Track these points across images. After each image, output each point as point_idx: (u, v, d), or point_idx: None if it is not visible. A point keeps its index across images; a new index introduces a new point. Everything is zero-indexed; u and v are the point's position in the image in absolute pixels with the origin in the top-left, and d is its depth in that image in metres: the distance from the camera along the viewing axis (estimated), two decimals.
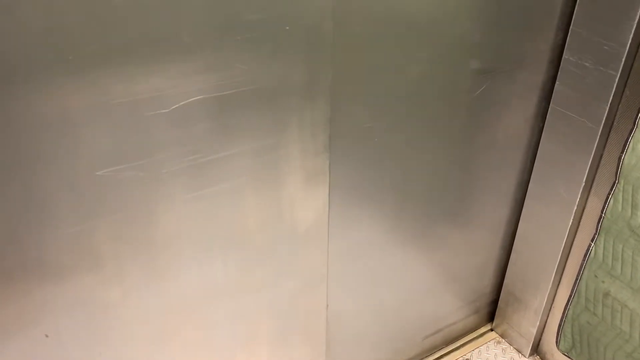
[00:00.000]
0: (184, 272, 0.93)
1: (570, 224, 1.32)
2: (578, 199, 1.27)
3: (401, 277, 1.32)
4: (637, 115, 1.12)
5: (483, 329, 1.68)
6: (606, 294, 1.30)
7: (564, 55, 1.19)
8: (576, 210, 1.29)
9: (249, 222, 0.96)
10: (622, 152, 1.17)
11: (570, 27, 1.17)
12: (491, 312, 1.69)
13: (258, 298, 1.06)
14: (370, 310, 1.31)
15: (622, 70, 1.10)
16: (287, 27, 0.81)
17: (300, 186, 0.98)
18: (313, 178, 0.99)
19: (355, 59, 0.92)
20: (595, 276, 1.32)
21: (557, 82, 1.23)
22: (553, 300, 1.46)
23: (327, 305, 1.18)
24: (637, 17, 1.05)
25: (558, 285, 1.43)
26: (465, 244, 1.40)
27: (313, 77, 0.88)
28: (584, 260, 1.33)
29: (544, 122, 1.30)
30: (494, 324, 1.67)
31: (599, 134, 1.18)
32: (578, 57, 1.17)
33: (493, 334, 1.66)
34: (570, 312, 1.41)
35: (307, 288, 1.13)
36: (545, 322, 1.51)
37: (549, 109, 1.26)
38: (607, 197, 1.23)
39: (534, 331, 1.52)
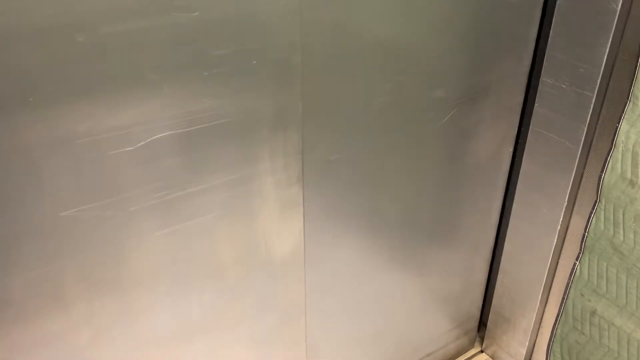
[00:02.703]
0: (157, 310, 0.92)
1: (554, 243, 1.32)
2: (561, 219, 1.29)
3: (382, 305, 1.31)
4: (615, 135, 1.13)
5: (473, 351, 1.67)
6: (593, 313, 1.31)
7: (542, 78, 1.21)
8: (560, 229, 1.30)
9: (223, 257, 0.95)
10: (602, 172, 1.18)
11: (547, 50, 1.19)
12: (481, 333, 1.69)
13: (235, 334, 1.04)
14: (351, 340, 1.30)
15: (597, 91, 1.12)
16: (254, 62, 0.81)
17: (274, 218, 0.97)
18: (287, 210, 0.98)
19: (324, 90, 0.93)
20: (582, 295, 1.32)
21: (536, 104, 1.25)
22: (541, 319, 1.46)
23: (306, 339, 1.16)
24: (610, 40, 1.07)
25: (545, 304, 1.43)
26: (445, 267, 1.39)
27: (283, 110, 0.88)
28: (569, 279, 1.34)
29: (517, 145, 1.31)
30: (484, 346, 1.66)
31: (579, 154, 1.20)
32: (555, 80, 1.19)
33: (484, 356, 1.66)
34: (559, 331, 1.42)
35: (286, 322, 1.11)
36: (535, 342, 1.51)
37: (529, 130, 1.28)
38: (590, 216, 1.24)
39: (523, 351, 1.52)
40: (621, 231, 1.19)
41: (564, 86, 1.18)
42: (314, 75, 0.89)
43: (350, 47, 0.92)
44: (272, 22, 0.80)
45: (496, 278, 1.53)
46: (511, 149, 1.29)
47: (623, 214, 1.17)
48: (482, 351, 1.67)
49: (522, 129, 1.33)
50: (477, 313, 1.55)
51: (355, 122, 1.00)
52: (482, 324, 1.67)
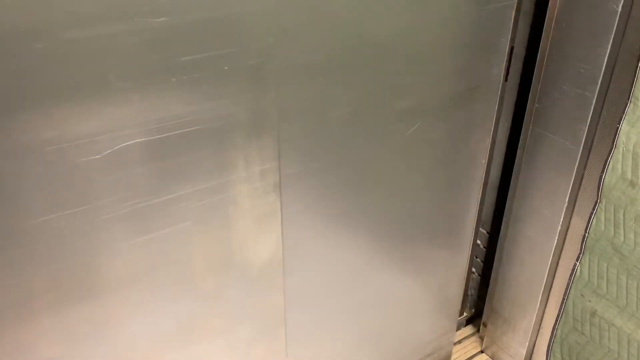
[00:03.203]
0: (130, 322, 0.89)
1: (555, 243, 1.33)
2: (562, 219, 1.29)
3: (364, 313, 1.28)
4: (615, 135, 1.14)
5: (473, 351, 1.68)
6: (593, 313, 1.31)
7: (542, 78, 1.22)
8: (560, 230, 1.30)
9: (198, 266, 0.93)
10: (603, 172, 1.18)
11: (547, 51, 1.19)
12: (481, 334, 1.69)
13: (212, 345, 1.02)
14: (332, 350, 1.26)
15: (598, 92, 1.13)
16: (226, 68, 0.79)
17: (251, 227, 0.95)
18: (264, 218, 0.96)
19: (300, 97, 0.90)
20: (582, 295, 1.32)
21: (536, 105, 1.25)
22: (541, 320, 1.46)
23: (286, 349, 1.14)
24: (611, 40, 1.08)
25: (546, 305, 1.43)
26: (423, 277, 1.36)
27: (258, 116, 0.86)
28: (569, 279, 1.34)
29: (517, 145, 1.31)
30: (484, 346, 1.66)
31: (579, 154, 1.20)
32: (555, 80, 1.19)
33: (484, 356, 1.66)
34: (559, 332, 1.42)
35: (265, 333, 1.09)
36: (535, 342, 1.51)
37: (530, 130, 1.28)
38: (590, 217, 1.24)
39: (523, 352, 1.52)
40: (621, 232, 1.19)
41: (564, 87, 1.18)
42: (290, 81, 0.87)
43: (324, 53, 0.90)
44: (244, 27, 0.78)
45: (496, 278, 1.53)
46: (484, 160, 1.26)
47: (623, 215, 1.17)
48: (482, 351, 1.67)
49: (523, 129, 1.33)
50: (454, 326, 1.52)
51: (328, 131, 0.98)
52: (482, 324, 1.67)
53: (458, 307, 1.52)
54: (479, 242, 1.65)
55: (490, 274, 1.57)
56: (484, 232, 1.63)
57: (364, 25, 0.92)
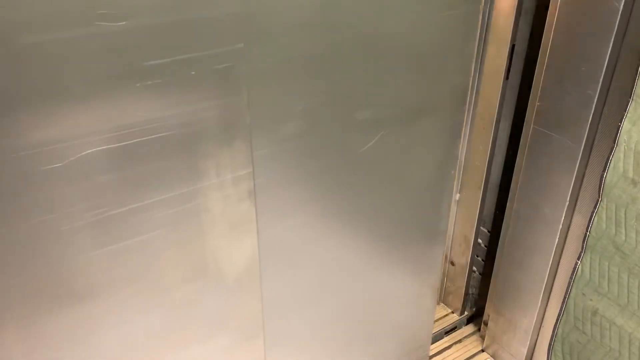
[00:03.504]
0: (100, 334, 0.87)
1: (556, 242, 1.32)
2: (563, 218, 1.28)
3: (344, 320, 1.25)
4: (617, 133, 1.13)
5: (474, 350, 1.67)
6: (594, 312, 1.31)
7: (543, 76, 1.21)
8: (561, 229, 1.30)
9: (170, 276, 0.91)
10: (604, 171, 1.18)
11: (549, 49, 1.19)
12: (482, 333, 1.69)
13: (189, 355, 1.00)
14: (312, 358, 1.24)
15: (599, 90, 1.12)
16: (193, 72, 0.77)
17: (224, 235, 0.93)
18: (239, 226, 0.94)
19: (273, 101, 0.88)
20: (583, 294, 1.32)
21: (537, 103, 1.25)
22: (542, 319, 1.46)
23: (265, 358, 1.12)
24: (612, 39, 1.07)
25: (547, 304, 1.43)
26: (395, 287, 1.32)
27: (229, 122, 0.84)
28: (571, 278, 1.33)
29: (518, 143, 1.31)
30: (484, 345, 1.66)
31: (581, 153, 1.20)
32: (557, 78, 1.19)
33: (485, 355, 1.66)
34: (560, 331, 1.42)
35: (243, 341, 1.07)
36: (536, 341, 1.51)
37: (531, 129, 1.28)
38: (592, 215, 1.24)
39: (524, 351, 1.52)
40: (623, 230, 1.19)
41: (565, 85, 1.18)
42: (262, 85, 0.85)
43: (297, 57, 0.87)
44: (211, 31, 0.76)
45: (497, 277, 1.53)
46: (453, 171, 1.21)
47: (625, 213, 1.17)
48: (482, 350, 1.67)
49: (524, 127, 1.33)
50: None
51: (303, 137, 0.96)
52: (483, 323, 1.67)
53: (432, 319, 1.47)
54: (480, 240, 1.65)
55: (492, 273, 1.57)
56: (485, 230, 1.63)
57: (330, 32, 0.90)
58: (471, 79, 1.43)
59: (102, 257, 0.82)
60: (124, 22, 0.69)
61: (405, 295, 1.34)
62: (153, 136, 0.78)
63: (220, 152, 0.85)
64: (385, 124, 1.04)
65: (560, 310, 1.39)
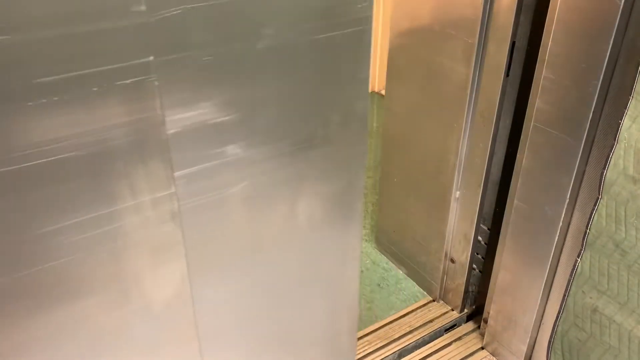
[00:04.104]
0: None
1: (556, 240, 1.32)
2: (563, 215, 1.28)
3: (283, 340, 1.19)
4: (617, 131, 1.13)
5: (474, 348, 1.67)
6: (594, 310, 1.31)
7: (544, 73, 1.21)
8: (561, 226, 1.30)
9: (87, 307, 0.85)
10: (604, 168, 1.18)
11: (549, 46, 1.19)
12: (482, 330, 1.69)
13: None
14: None
15: (600, 87, 1.12)
16: (95, 89, 0.71)
17: (147, 261, 0.88)
18: (163, 249, 0.88)
19: (191, 118, 0.83)
20: (583, 292, 1.32)
21: (537, 100, 1.24)
22: (542, 317, 1.46)
23: None
24: (613, 35, 1.07)
25: (546, 301, 1.43)
26: (314, 310, 1.22)
27: (142, 139, 0.78)
28: (570, 276, 1.33)
29: (518, 141, 1.31)
30: (484, 343, 1.66)
31: (581, 150, 1.20)
32: (557, 75, 1.19)
33: (484, 353, 1.66)
34: (560, 328, 1.41)
35: None
36: (535, 339, 1.51)
37: (531, 126, 1.28)
38: (591, 213, 1.24)
39: (524, 348, 1.52)
40: (623, 228, 1.18)
41: (566, 82, 1.18)
42: (178, 99, 0.79)
43: (207, 69, 0.81)
44: (114, 43, 0.70)
45: (497, 275, 1.53)
46: (360, 204, 1.12)
47: (625, 211, 1.17)
48: (482, 348, 1.67)
49: (524, 125, 1.32)
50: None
51: (224, 155, 0.90)
52: (483, 320, 1.67)
53: (354, 343, 1.37)
54: (479, 238, 1.65)
55: (491, 270, 1.57)
56: (485, 228, 1.63)
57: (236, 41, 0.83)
58: (471, 76, 1.43)
59: (13, 285, 0.77)
60: (7, 36, 0.64)
61: (325, 318, 1.26)
62: (55, 157, 0.73)
63: (134, 173, 0.80)
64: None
65: (560, 307, 1.39)
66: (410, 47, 1.59)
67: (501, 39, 1.35)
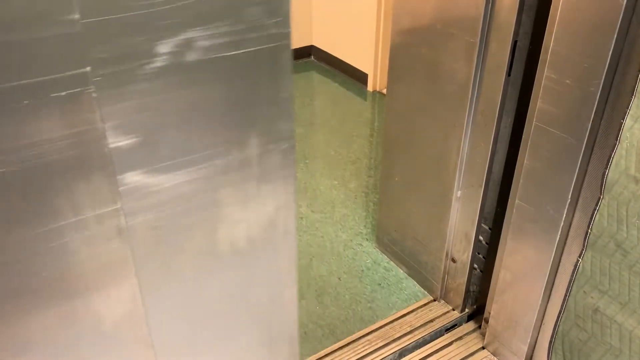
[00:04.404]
0: None
1: (557, 240, 1.32)
2: (564, 215, 1.28)
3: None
4: (619, 131, 1.13)
5: (474, 348, 1.67)
6: (595, 310, 1.31)
7: (546, 73, 1.21)
8: (562, 226, 1.30)
9: (32, 332, 0.83)
10: (606, 168, 1.17)
11: (551, 45, 1.18)
12: (482, 330, 1.69)
13: None
14: None
15: (602, 87, 1.12)
16: (27, 102, 0.68)
17: (94, 279, 0.85)
18: (111, 266, 0.85)
19: (138, 124, 0.80)
20: (584, 292, 1.32)
21: (539, 100, 1.24)
22: (543, 317, 1.46)
23: None
24: (615, 35, 1.07)
25: (548, 301, 1.43)
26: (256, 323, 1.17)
27: (81, 153, 0.75)
28: (572, 276, 1.33)
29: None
30: (485, 342, 1.66)
31: (583, 150, 1.19)
32: (559, 75, 1.18)
33: (485, 352, 1.65)
34: (560, 328, 1.41)
35: None
36: (536, 339, 1.50)
37: (532, 126, 1.27)
38: (593, 213, 1.24)
39: (525, 348, 1.52)
40: (624, 228, 1.18)
41: (567, 82, 1.17)
42: (120, 111, 0.75)
43: (150, 79, 0.78)
44: (45, 54, 0.67)
45: (498, 275, 1.52)
46: (292, 235, 1.06)
47: (626, 211, 1.17)
48: (483, 348, 1.67)
49: (526, 124, 1.32)
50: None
51: (175, 168, 0.86)
52: (484, 320, 1.67)
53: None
54: (480, 238, 1.65)
55: (492, 270, 1.56)
56: (486, 228, 1.63)
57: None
58: (472, 75, 1.43)
59: None
60: None
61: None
62: None
63: (75, 187, 0.77)
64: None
65: (561, 307, 1.39)
66: (411, 46, 1.59)
67: (503, 38, 1.35)
